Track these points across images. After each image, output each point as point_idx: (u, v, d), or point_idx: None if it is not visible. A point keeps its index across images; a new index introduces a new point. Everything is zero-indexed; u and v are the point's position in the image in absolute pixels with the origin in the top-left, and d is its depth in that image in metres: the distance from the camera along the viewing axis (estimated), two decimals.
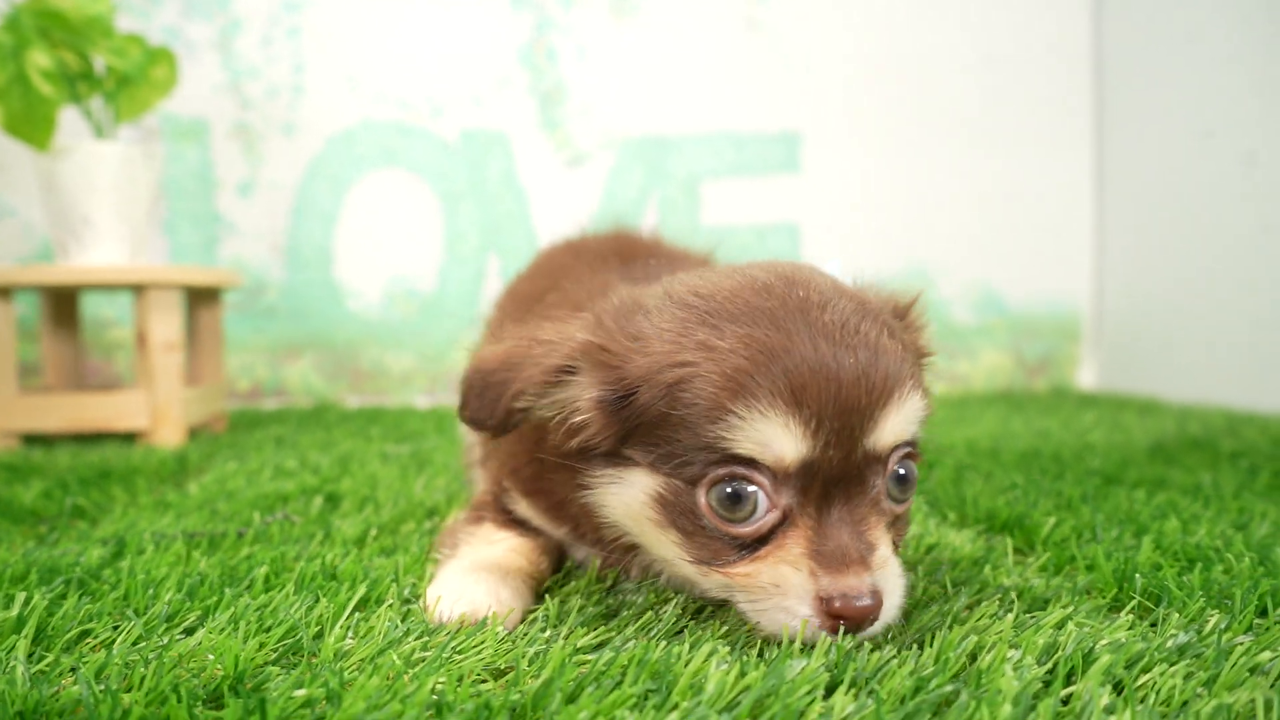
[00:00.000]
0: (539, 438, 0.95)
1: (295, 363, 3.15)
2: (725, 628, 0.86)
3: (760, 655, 0.79)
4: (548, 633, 0.85)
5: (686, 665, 0.74)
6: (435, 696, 0.70)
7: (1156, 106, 3.06)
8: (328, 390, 3.17)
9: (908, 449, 0.82)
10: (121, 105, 2.33)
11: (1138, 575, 0.93)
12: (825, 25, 3.27)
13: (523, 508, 1.04)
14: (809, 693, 0.70)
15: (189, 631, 0.87)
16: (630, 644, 0.80)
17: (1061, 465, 1.73)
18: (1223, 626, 0.80)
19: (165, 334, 2.20)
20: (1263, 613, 0.86)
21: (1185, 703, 0.67)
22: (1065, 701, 0.70)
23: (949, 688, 0.70)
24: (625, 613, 0.92)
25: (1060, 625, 0.82)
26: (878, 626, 0.78)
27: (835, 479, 0.78)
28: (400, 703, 0.68)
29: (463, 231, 3.18)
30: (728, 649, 0.79)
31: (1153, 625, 0.85)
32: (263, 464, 1.80)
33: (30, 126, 2.10)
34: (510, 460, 1.04)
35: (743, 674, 0.72)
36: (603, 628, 0.87)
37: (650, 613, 0.89)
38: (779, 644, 0.79)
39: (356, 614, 0.92)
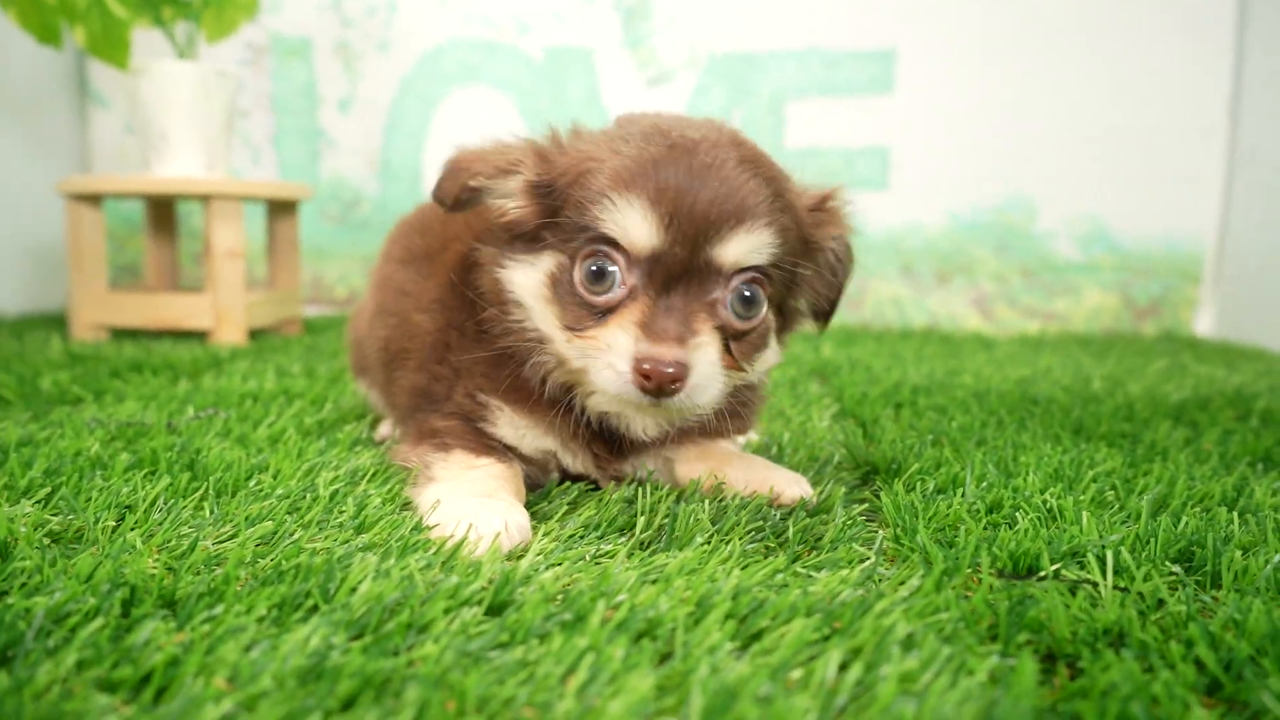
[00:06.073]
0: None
1: None
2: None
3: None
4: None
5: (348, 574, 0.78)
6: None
7: None
8: None
9: (754, 274, 0.95)
10: (208, 27, 2.50)
11: (919, 525, 0.89)
12: None
13: (505, 419, 1.10)
14: (447, 606, 0.73)
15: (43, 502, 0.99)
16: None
17: (1027, 413, 1.62)
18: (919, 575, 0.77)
19: (228, 241, 2.39)
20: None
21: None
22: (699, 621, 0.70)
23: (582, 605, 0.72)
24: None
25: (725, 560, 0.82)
26: (682, 397, 0.92)
27: (677, 274, 0.93)
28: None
29: None
30: (425, 562, 0.83)
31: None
32: (275, 367, 1.95)
33: (109, 47, 2.30)
34: (479, 366, 1.11)
35: (390, 581, 0.76)
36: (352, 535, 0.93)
37: None
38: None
39: (210, 498, 1.01)
